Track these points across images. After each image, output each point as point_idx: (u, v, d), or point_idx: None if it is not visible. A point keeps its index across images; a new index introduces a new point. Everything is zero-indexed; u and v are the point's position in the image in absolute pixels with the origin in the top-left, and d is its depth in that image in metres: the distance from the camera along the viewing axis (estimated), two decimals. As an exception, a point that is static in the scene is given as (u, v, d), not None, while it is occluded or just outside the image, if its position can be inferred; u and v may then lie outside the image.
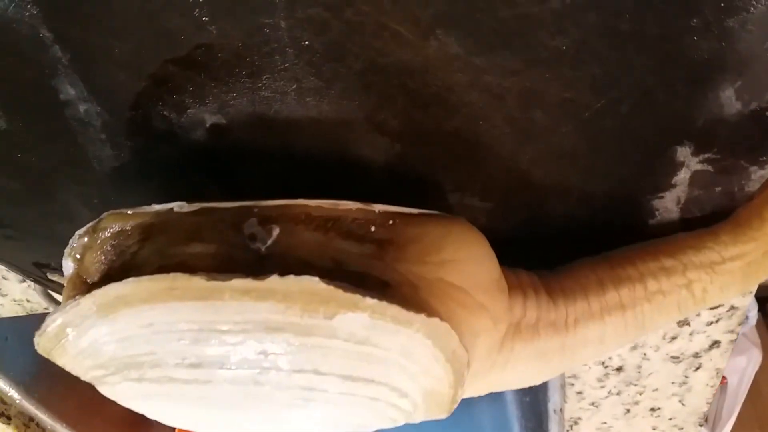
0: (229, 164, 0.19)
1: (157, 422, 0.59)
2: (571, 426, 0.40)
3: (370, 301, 0.15)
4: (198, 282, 0.15)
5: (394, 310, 0.15)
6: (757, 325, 1.07)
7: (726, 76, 0.16)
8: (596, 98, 0.17)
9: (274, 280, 0.15)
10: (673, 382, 0.36)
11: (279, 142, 0.18)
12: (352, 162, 0.19)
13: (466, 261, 0.17)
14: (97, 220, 0.17)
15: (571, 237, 0.20)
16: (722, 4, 0.15)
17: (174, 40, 0.15)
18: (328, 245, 0.17)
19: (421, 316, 0.15)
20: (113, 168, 0.19)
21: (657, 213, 0.20)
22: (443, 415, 0.18)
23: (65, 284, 0.19)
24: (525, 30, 0.15)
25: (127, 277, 0.16)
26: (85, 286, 0.18)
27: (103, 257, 0.18)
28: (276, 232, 0.16)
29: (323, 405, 0.17)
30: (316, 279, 0.15)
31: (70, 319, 0.16)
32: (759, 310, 1.06)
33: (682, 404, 0.37)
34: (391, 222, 0.17)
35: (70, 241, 0.18)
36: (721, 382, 1.09)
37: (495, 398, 0.50)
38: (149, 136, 0.18)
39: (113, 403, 0.55)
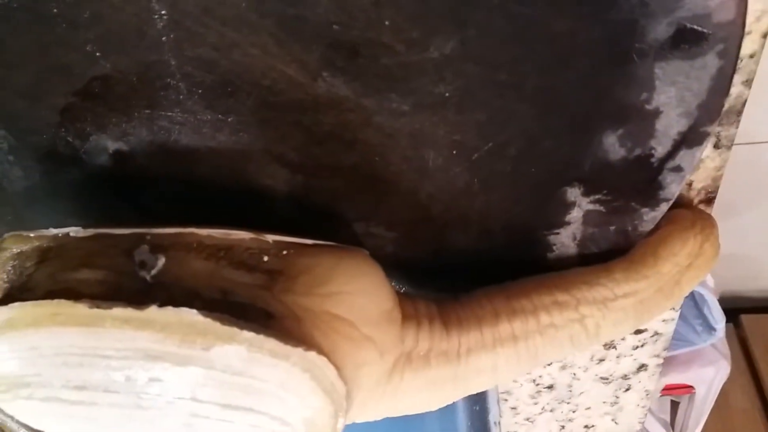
0: (134, 189, 0.19)
1: None
2: (509, 440, 0.41)
3: (247, 334, 0.16)
4: (81, 309, 0.15)
5: (272, 343, 0.16)
6: (728, 337, 1.08)
7: (605, 124, 0.17)
8: (483, 141, 0.17)
9: (153, 311, 0.16)
10: (604, 402, 0.36)
11: (181, 169, 0.19)
12: (255, 191, 0.19)
13: (355, 293, 0.18)
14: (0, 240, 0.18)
15: (473, 267, 0.21)
16: (595, 61, 0.15)
17: (69, 73, 0.16)
18: (216, 274, 0.17)
19: (299, 350, 0.16)
20: (24, 188, 0.19)
21: (554, 248, 0.21)
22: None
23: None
24: (408, 76, 0.16)
25: (19, 299, 0.16)
26: (-12, 303, 0.19)
27: (4, 276, 0.18)
28: (161, 261, 0.17)
29: (206, 430, 0.17)
30: (194, 311, 0.16)
31: (-39, 341, 0.16)
32: (728, 322, 1.07)
33: (615, 423, 0.38)
34: (285, 252, 0.18)
35: (-26, 259, 0.19)
36: (689, 392, 1.10)
37: (445, 407, 0.51)
38: (55, 160, 0.18)
39: None
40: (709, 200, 0.24)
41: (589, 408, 0.37)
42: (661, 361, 0.33)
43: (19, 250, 0.18)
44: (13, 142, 0.18)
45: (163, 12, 0.14)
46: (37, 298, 0.16)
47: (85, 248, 0.17)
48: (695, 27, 0.14)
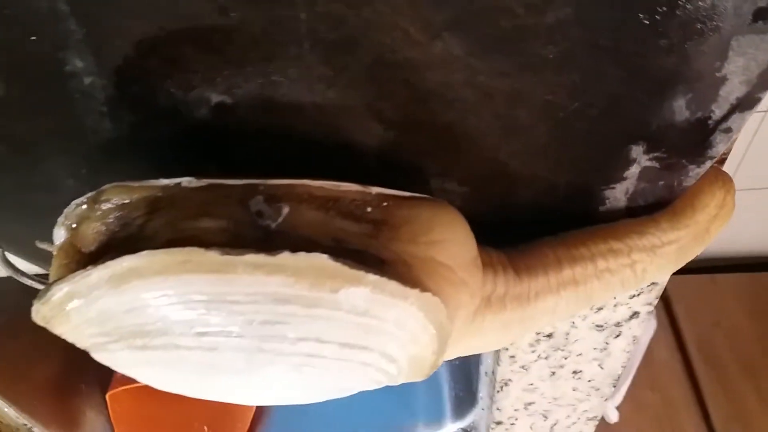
0: (228, 142, 0.20)
1: (86, 388, 0.59)
2: (502, 387, 0.44)
3: (372, 277, 0.17)
4: (212, 256, 0.16)
5: (393, 285, 0.17)
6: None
7: (680, 89, 0.19)
8: (572, 101, 0.19)
9: (285, 256, 0.17)
10: (594, 348, 0.40)
11: (279, 123, 0.19)
12: (346, 146, 0.20)
13: (452, 241, 0.19)
14: (97, 191, 0.18)
15: (534, 220, 0.23)
16: (685, 30, 0.17)
17: (193, 24, 0.16)
18: (328, 224, 0.18)
19: (416, 291, 0.18)
20: (108, 141, 0.19)
21: (607, 201, 0.23)
22: (420, 379, 0.20)
23: (55, 252, 0.19)
24: (520, 38, 0.17)
25: (134, 248, 0.17)
26: (79, 255, 0.19)
27: (103, 228, 0.18)
28: (286, 210, 0.18)
29: (319, 371, 0.18)
30: (325, 256, 0.17)
31: (79, 289, 0.17)
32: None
33: (601, 367, 0.42)
34: (384, 204, 0.19)
35: (65, 211, 0.19)
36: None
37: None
38: (151, 111, 0.19)
39: (41, 369, 0.55)
40: (723, 160, 0.27)
41: (580, 354, 0.41)
42: (651, 308, 0.37)
43: (122, 202, 0.18)
44: (112, 91, 0.18)
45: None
46: (157, 246, 0.17)
47: (200, 198, 0.18)
48: (775, 4, 0.17)
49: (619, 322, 0.38)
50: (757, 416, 1.22)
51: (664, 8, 0.17)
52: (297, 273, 0.17)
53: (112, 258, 0.17)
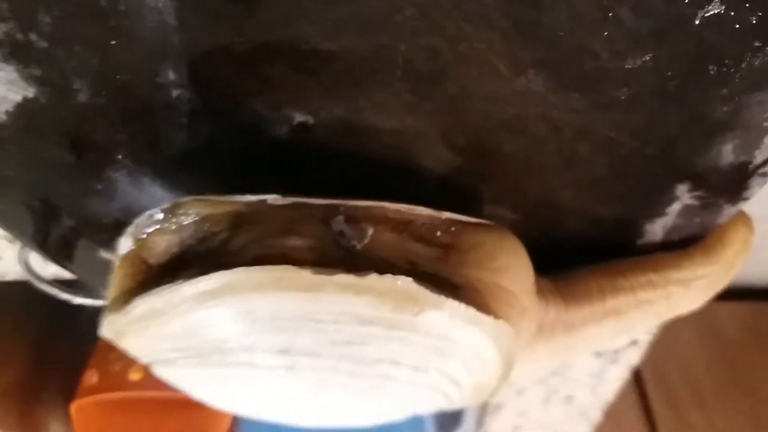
0: (302, 161, 0.20)
1: (49, 396, 0.57)
2: (494, 410, 0.45)
3: (451, 302, 0.18)
4: (305, 275, 0.17)
5: (470, 311, 0.18)
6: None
7: (730, 135, 0.21)
8: (632, 140, 0.20)
9: (373, 278, 0.17)
10: (589, 374, 0.42)
11: (353, 145, 0.20)
12: (412, 169, 0.21)
13: (516, 267, 0.20)
14: (174, 203, 0.18)
15: (576, 249, 0.24)
16: (745, 81, 0.19)
17: (297, 46, 0.17)
18: (402, 247, 0.19)
19: (490, 318, 0.18)
20: (181, 153, 0.20)
21: (645, 234, 0.24)
22: (475, 404, 0.21)
23: (119, 261, 0.19)
24: (598, 80, 0.19)
25: (218, 263, 0.17)
26: (146, 266, 0.19)
27: (177, 240, 0.19)
28: (370, 231, 0.18)
29: (386, 393, 0.19)
30: (410, 280, 0.17)
31: (165, 303, 0.17)
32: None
33: (592, 393, 0.44)
34: (453, 228, 0.20)
35: (136, 221, 0.19)
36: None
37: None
38: (231, 126, 0.19)
39: (4, 375, 0.53)
40: (738, 200, 0.29)
41: (575, 380, 0.42)
42: (651, 336, 0.39)
43: (202, 215, 0.18)
44: (197, 105, 0.18)
45: (426, 3, 0.16)
46: (244, 262, 0.17)
47: (285, 216, 0.18)
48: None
49: (617, 350, 0.39)
50: (706, 443, 1.27)
51: (732, 60, 0.18)
52: (382, 295, 0.17)
53: (199, 273, 0.17)
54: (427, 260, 0.19)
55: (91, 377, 0.50)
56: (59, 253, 0.23)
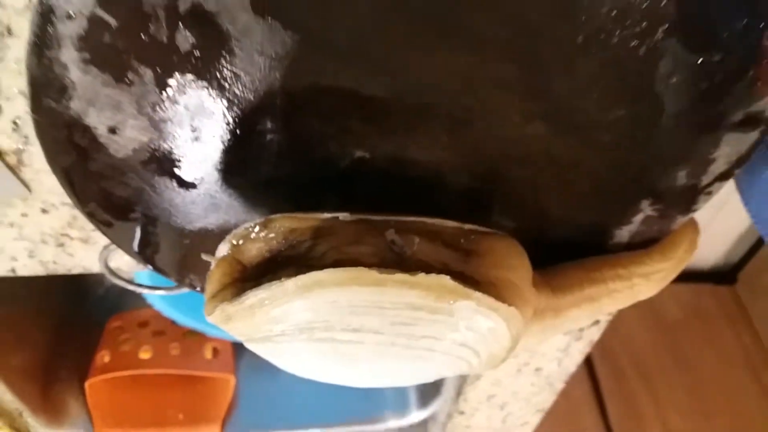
0: (356, 185, 0.26)
1: (66, 375, 0.64)
2: (473, 381, 0.52)
3: (477, 294, 0.24)
4: (373, 273, 0.23)
5: (490, 300, 0.25)
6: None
7: (684, 165, 0.28)
8: (613, 169, 0.27)
9: (421, 276, 0.23)
10: (558, 349, 0.49)
11: (396, 172, 0.26)
12: (440, 190, 0.27)
13: (521, 266, 0.27)
14: (267, 218, 0.24)
15: (560, 249, 0.31)
16: (703, 130, 0.26)
17: (370, 105, 0.23)
18: (436, 252, 0.25)
19: (504, 305, 0.25)
20: (266, 179, 0.25)
21: (614, 237, 0.31)
22: (490, 370, 0.28)
23: (215, 262, 0.25)
24: (588, 127, 0.25)
25: (306, 265, 0.23)
26: (241, 267, 0.25)
27: (267, 247, 0.24)
28: (417, 240, 0.24)
29: (427, 362, 0.25)
30: (447, 277, 0.24)
31: (271, 295, 0.23)
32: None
33: (558, 365, 0.52)
34: (472, 236, 0.26)
35: (235, 231, 0.25)
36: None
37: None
38: (306, 161, 0.25)
39: (26, 355, 0.59)
40: (686, 206, 0.36)
41: (544, 354, 0.50)
42: (611, 317, 0.46)
43: (290, 228, 0.24)
44: (284, 148, 0.24)
45: (467, 76, 0.22)
46: (327, 265, 0.23)
47: (353, 229, 0.24)
48: (755, 116, 0.26)
49: (582, 328, 0.47)
50: (649, 415, 1.39)
51: (714, 120, 0.25)
52: (428, 288, 0.24)
53: (295, 272, 0.23)
54: (454, 262, 0.26)
55: (103, 357, 0.55)
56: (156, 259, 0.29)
